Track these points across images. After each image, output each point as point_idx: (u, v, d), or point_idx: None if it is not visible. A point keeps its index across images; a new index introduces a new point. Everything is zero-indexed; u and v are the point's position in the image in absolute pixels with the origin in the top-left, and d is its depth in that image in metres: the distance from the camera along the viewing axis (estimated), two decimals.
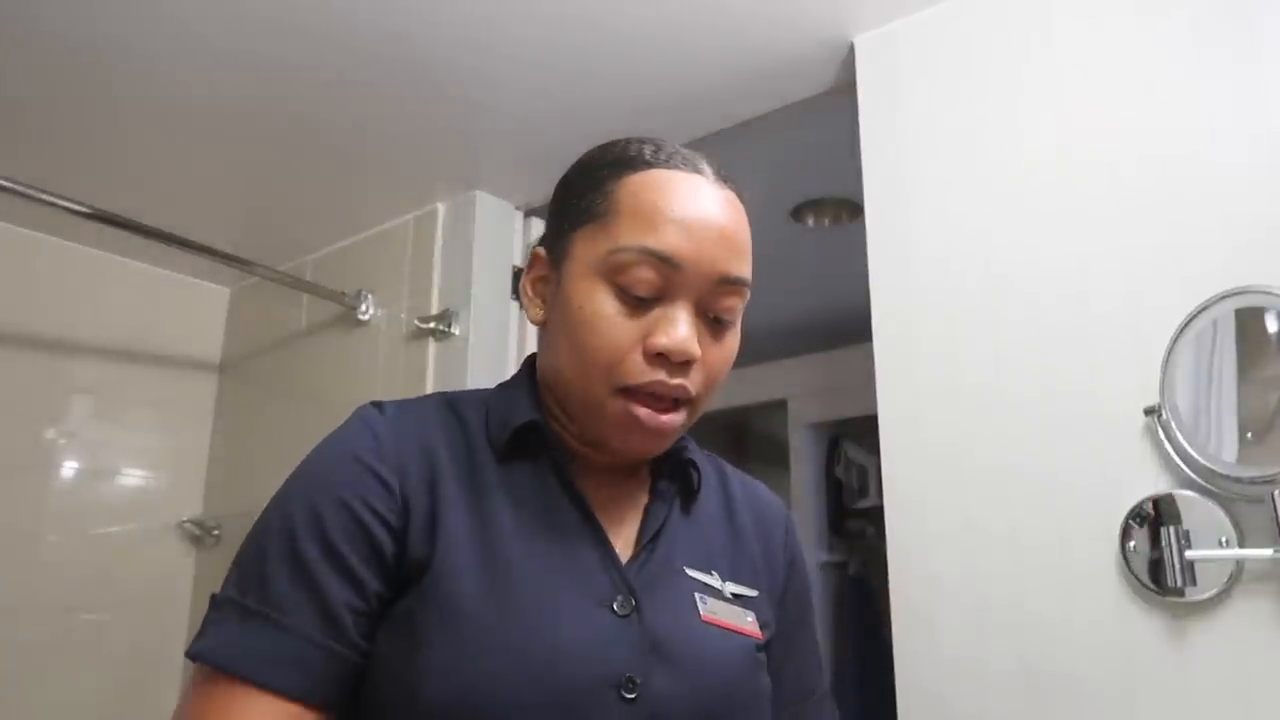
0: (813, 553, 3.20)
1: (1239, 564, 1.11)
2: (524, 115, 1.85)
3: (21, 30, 1.57)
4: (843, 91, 1.66)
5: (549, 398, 0.78)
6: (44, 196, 1.72)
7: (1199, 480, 1.14)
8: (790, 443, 3.32)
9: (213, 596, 0.68)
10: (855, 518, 3.29)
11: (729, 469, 0.90)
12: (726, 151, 1.86)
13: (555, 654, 0.65)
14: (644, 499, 0.79)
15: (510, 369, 2.08)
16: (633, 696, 0.66)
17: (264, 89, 1.75)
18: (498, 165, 2.06)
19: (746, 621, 0.77)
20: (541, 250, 0.78)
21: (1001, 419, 1.32)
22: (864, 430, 2.90)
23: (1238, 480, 1.11)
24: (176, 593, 2.41)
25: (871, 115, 1.56)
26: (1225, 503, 1.12)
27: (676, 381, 0.70)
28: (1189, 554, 1.11)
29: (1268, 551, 1.07)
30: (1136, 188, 1.27)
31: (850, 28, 1.57)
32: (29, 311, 2.25)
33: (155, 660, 2.33)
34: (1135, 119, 1.29)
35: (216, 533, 2.42)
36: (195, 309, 2.58)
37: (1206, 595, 1.12)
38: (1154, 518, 1.16)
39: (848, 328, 2.71)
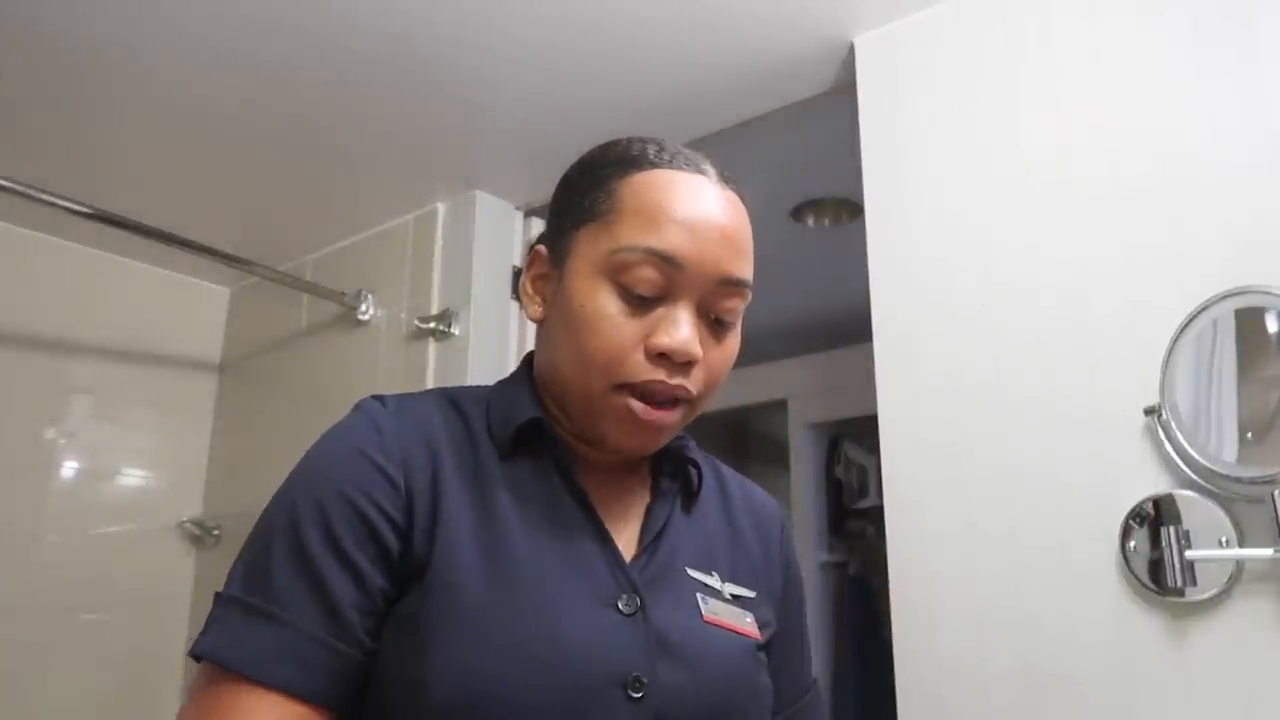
0: (813, 553, 3.20)
1: (1239, 564, 1.11)
2: (524, 115, 1.85)
3: (21, 30, 1.57)
4: (843, 91, 1.66)
5: (547, 395, 0.78)
6: (44, 196, 1.72)
7: (1199, 480, 1.14)
8: (790, 443, 3.31)
9: (217, 594, 0.67)
10: (855, 518, 3.29)
11: (725, 470, 0.90)
12: (726, 151, 1.86)
13: (561, 654, 0.65)
14: (645, 497, 0.79)
15: (510, 369, 2.07)
16: (639, 695, 0.66)
17: (264, 89, 1.75)
18: (498, 165, 2.06)
19: (746, 622, 0.77)
20: (542, 248, 0.78)
21: (1001, 419, 1.32)
22: (864, 430, 2.90)
23: (1238, 480, 1.11)
24: (176, 593, 2.41)
25: (871, 115, 1.56)
26: (1225, 503, 1.12)
27: (677, 381, 0.70)
28: (1189, 554, 1.11)
29: (1268, 551, 1.07)
30: (1136, 188, 1.27)
31: (850, 28, 1.57)
32: (29, 311, 2.25)
33: (155, 660, 2.33)
34: (1135, 119, 1.29)
35: (216, 533, 2.42)
36: (195, 309, 2.58)
37: (1206, 595, 1.12)
38: (1154, 518, 1.16)
39: (848, 328, 2.71)
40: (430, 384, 2.07)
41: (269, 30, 1.58)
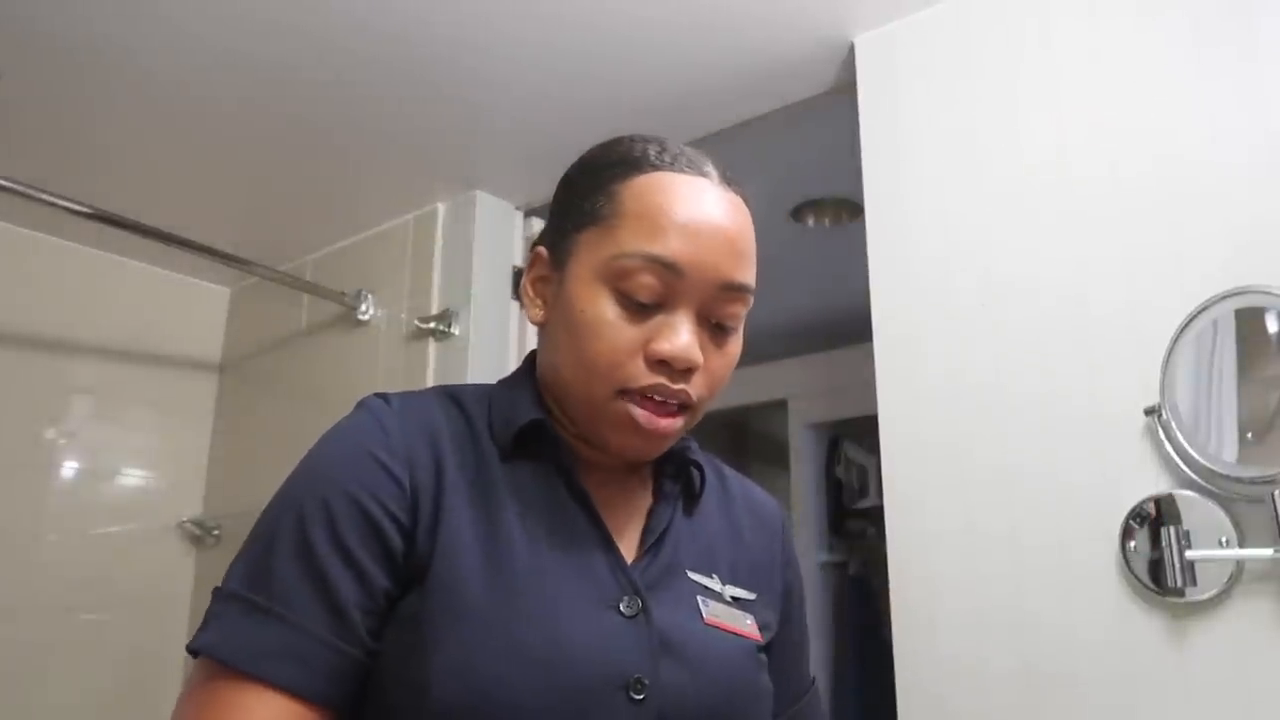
0: (813, 553, 3.20)
1: (1239, 564, 1.11)
2: (524, 115, 1.85)
3: (21, 30, 1.57)
4: (843, 91, 1.66)
5: (549, 396, 0.78)
6: (44, 196, 1.72)
7: (1199, 480, 1.14)
8: (790, 443, 3.31)
9: (216, 590, 0.67)
10: (855, 518, 3.29)
11: (727, 471, 0.90)
12: (726, 151, 1.85)
13: (563, 656, 0.65)
14: (647, 499, 0.79)
15: (510, 369, 2.07)
16: (641, 697, 0.66)
17: (264, 89, 1.75)
18: (498, 165, 2.06)
19: (746, 624, 0.77)
20: (542, 250, 0.77)
21: (1001, 419, 1.32)
22: (864, 430, 2.90)
23: (1238, 480, 1.11)
24: (176, 593, 2.41)
25: (871, 115, 1.55)
26: (1225, 503, 1.12)
27: (678, 387, 0.70)
28: (1189, 554, 1.11)
29: (1268, 551, 1.07)
30: (1136, 188, 1.27)
31: (850, 28, 1.57)
32: (29, 311, 2.25)
33: (155, 660, 2.33)
34: (1135, 119, 1.29)
35: (216, 533, 2.42)
36: (195, 309, 2.58)
37: (1206, 595, 1.12)
38: (1154, 518, 1.16)
39: (848, 328, 2.71)
40: (430, 384, 2.06)
41: (268, 30, 1.58)
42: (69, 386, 2.32)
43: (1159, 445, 1.18)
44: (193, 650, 0.64)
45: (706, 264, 0.69)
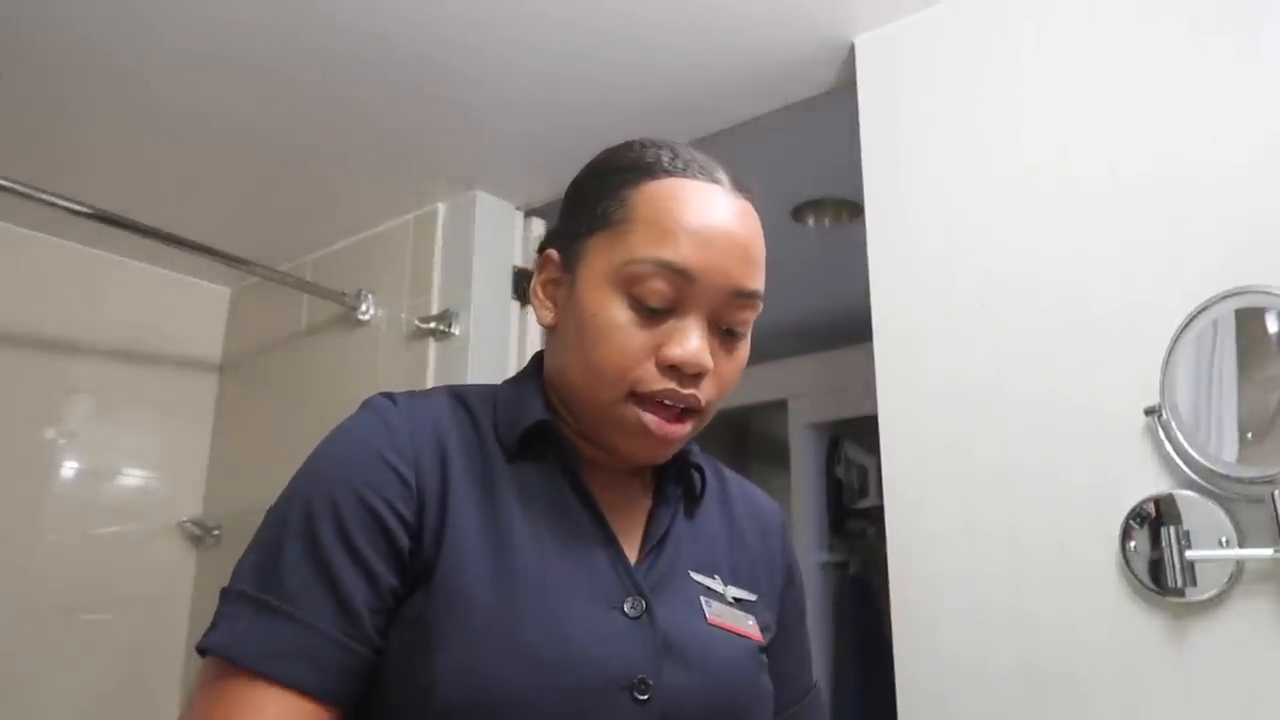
0: (813, 553, 3.20)
1: (1239, 564, 1.11)
2: (524, 116, 1.85)
3: (21, 31, 1.57)
4: (843, 91, 1.66)
5: (555, 398, 0.78)
6: (44, 196, 1.72)
7: (1199, 480, 1.14)
8: (790, 443, 3.31)
9: (224, 590, 0.67)
10: (855, 518, 3.29)
11: (727, 472, 0.90)
12: (727, 152, 1.85)
13: (568, 656, 0.65)
14: (648, 502, 0.79)
15: (510, 369, 2.08)
16: (645, 698, 0.66)
17: (265, 89, 1.75)
18: (498, 165, 2.06)
19: (748, 625, 0.77)
20: (553, 252, 0.78)
21: (1001, 419, 1.32)
22: (864, 430, 2.89)
23: (1238, 480, 1.11)
24: (176, 593, 2.41)
25: (871, 115, 1.56)
26: (1225, 503, 1.12)
27: (688, 391, 0.71)
28: (1189, 554, 1.11)
29: (1268, 551, 1.07)
30: (1136, 188, 1.27)
31: (850, 28, 1.57)
32: (29, 311, 2.25)
33: (155, 660, 2.33)
34: (1135, 119, 1.29)
35: (216, 533, 2.42)
36: (195, 309, 2.58)
37: (1207, 595, 1.12)
38: (1154, 518, 1.16)
39: (848, 328, 2.71)
40: (430, 384, 2.06)
41: (269, 31, 1.58)
42: (69, 386, 2.31)
43: (1159, 445, 1.18)
44: (202, 649, 0.65)
45: (718, 270, 0.70)
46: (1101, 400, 1.24)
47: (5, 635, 2.10)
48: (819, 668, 3.07)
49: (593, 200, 0.75)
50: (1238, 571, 1.11)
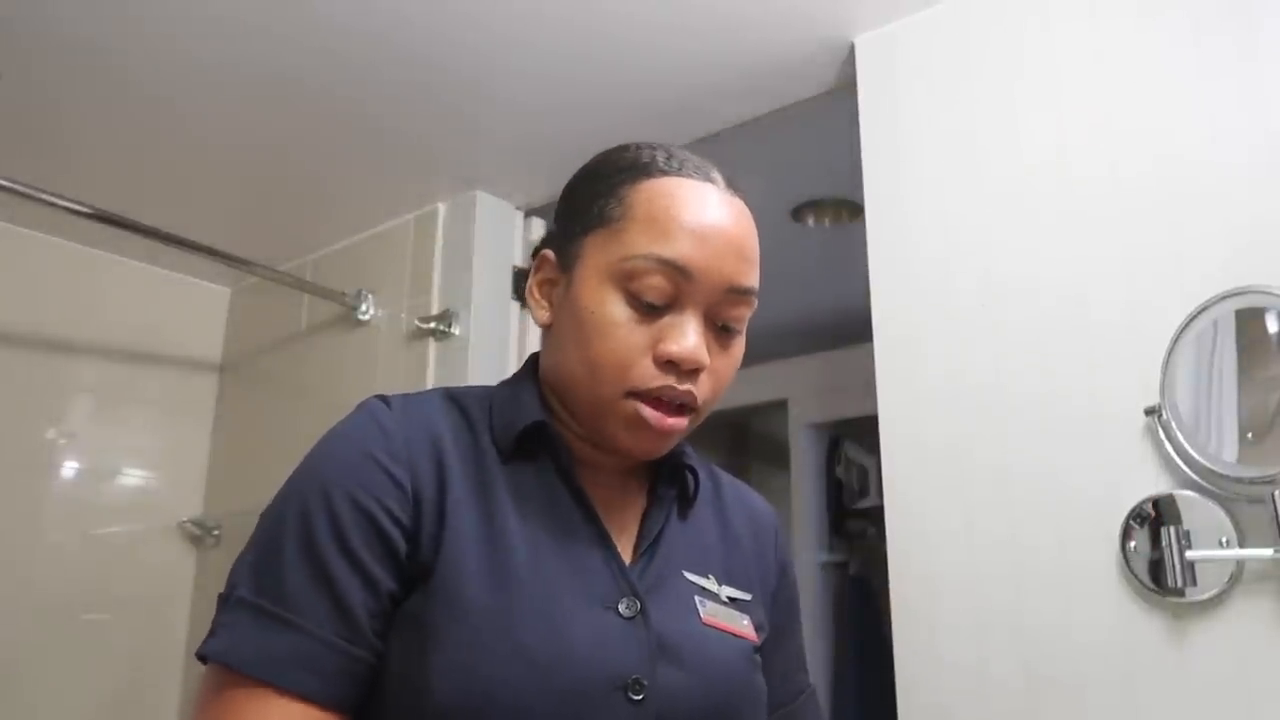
0: (813, 553, 3.20)
1: (1239, 564, 1.11)
2: (524, 116, 1.85)
3: (21, 31, 1.57)
4: (843, 91, 1.66)
5: (552, 398, 0.78)
6: (44, 196, 1.72)
7: (1199, 480, 1.14)
8: (790, 443, 3.32)
9: (223, 596, 0.67)
10: (855, 518, 3.29)
11: (721, 474, 0.91)
12: (727, 152, 1.86)
13: (563, 657, 0.65)
14: (642, 503, 0.80)
15: (510, 369, 2.07)
16: (640, 698, 0.66)
17: (265, 89, 1.75)
18: (498, 165, 2.06)
19: (743, 624, 0.77)
20: (549, 252, 0.78)
21: (1001, 419, 1.32)
22: (864, 430, 2.90)
23: (1238, 480, 1.11)
24: (176, 593, 2.41)
25: (871, 115, 1.56)
26: (1225, 503, 1.12)
27: (685, 387, 0.71)
28: (1189, 554, 1.11)
29: (1268, 551, 1.07)
30: (1136, 188, 1.27)
31: (850, 28, 1.57)
32: (29, 311, 2.25)
33: (155, 660, 2.33)
34: (1135, 119, 1.29)
35: (216, 533, 2.42)
36: (195, 309, 2.58)
37: (1207, 595, 1.12)
38: (1154, 518, 1.16)
39: (848, 328, 2.71)
40: (430, 384, 2.06)
41: (270, 31, 1.58)
42: (69, 386, 2.32)
43: (1159, 445, 1.18)
44: (202, 657, 0.65)
45: (714, 268, 0.71)
46: (1101, 400, 1.24)
47: (5, 635, 2.10)
48: (819, 668, 3.08)
49: (589, 200, 0.75)
50: (1238, 571, 1.11)
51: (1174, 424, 1.16)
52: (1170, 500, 1.16)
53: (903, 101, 1.52)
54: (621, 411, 0.71)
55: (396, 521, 0.67)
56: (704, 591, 0.77)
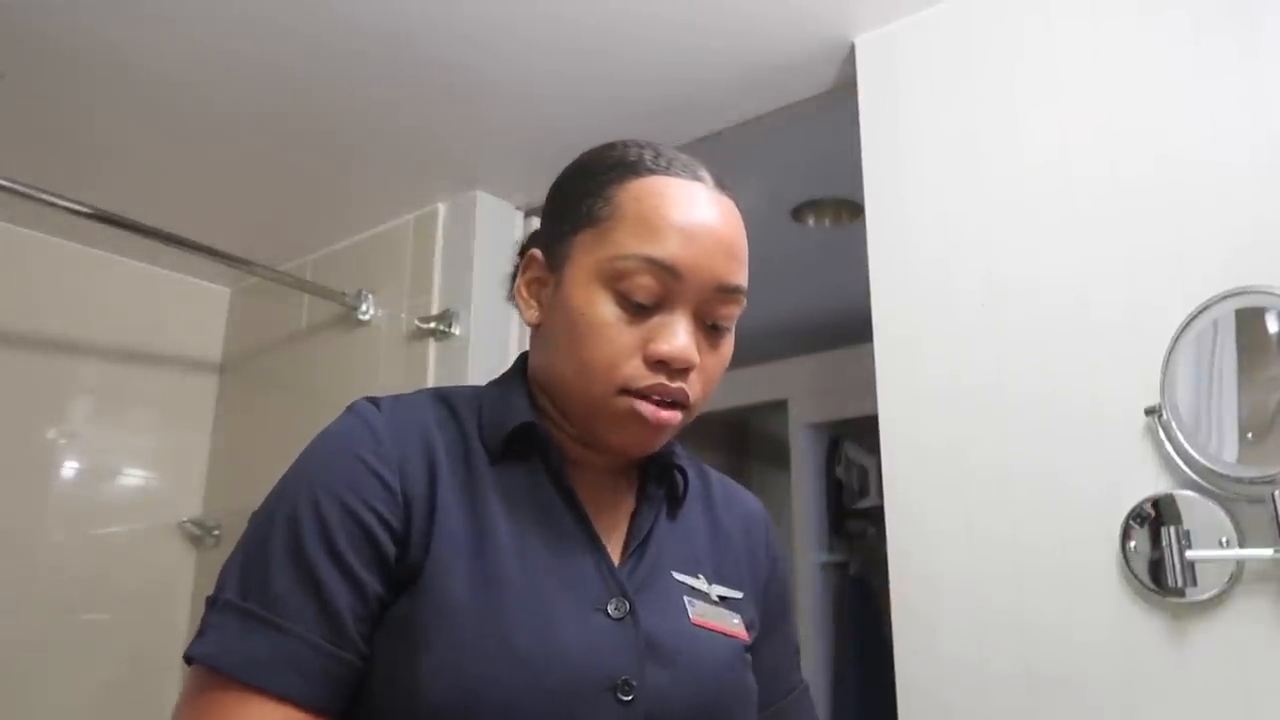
0: (813, 553, 3.20)
1: (1239, 564, 1.11)
2: (524, 115, 1.85)
3: (21, 30, 1.57)
4: (843, 91, 1.66)
5: (543, 397, 0.78)
6: (44, 196, 1.72)
7: (1199, 480, 1.14)
8: (790, 443, 3.32)
9: (210, 599, 0.67)
10: (855, 518, 3.29)
11: (710, 472, 0.91)
12: (726, 152, 1.87)
13: (552, 658, 0.65)
14: (631, 503, 0.80)
15: None
16: (629, 699, 0.66)
17: (264, 89, 1.75)
18: (498, 165, 2.06)
19: (733, 623, 0.77)
20: (537, 252, 0.78)
21: (1001, 419, 1.32)
22: (864, 430, 2.90)
23: (1238, 480, 1.11)
24: (176, 593, 2.41)
25: (871, 115, 1.55)
26: (1225, 503, 1.12)
27: (676, 385, 0.71)
28: (1189, 554, 1.11)
29: (1268, 551, 1.07)
30: (1136, 188, 1.26)
31: (850, 28, 1.57)
32: (29, 311, 2.25)
33: (155, 660, 2.33)
34: (1135, 119, 1.28)
35: (216, 533, 2.42)
36: (195, 309, 2.58)
37: (1207, 595, 1.12)
38: (1154, 518, 1.16)
39: (848, 328, 2.71)
40: (430, 384, 2.06)
41: (269, 31, 1.58)
42: (69, 386, 2.32)
43: (1159, 445, 1.18)
44: (189, 658, 0.65)
45: (703, 266, 0.71)
46: (1102, 400, 1.24)
47: (6, 635, 2.10)
48: (819, 668, 3.08)
49: (577, 199, 0.75)
50: (1238, 571, 1.11)
51: (1174, 424, 1.16)
52: (1170, 500, 1.15)
53: (903, 101, 1.52)
54: (614, 408, 0.71)
55: (385, 524, 0.67)
56: (694, 591, 0.77)
